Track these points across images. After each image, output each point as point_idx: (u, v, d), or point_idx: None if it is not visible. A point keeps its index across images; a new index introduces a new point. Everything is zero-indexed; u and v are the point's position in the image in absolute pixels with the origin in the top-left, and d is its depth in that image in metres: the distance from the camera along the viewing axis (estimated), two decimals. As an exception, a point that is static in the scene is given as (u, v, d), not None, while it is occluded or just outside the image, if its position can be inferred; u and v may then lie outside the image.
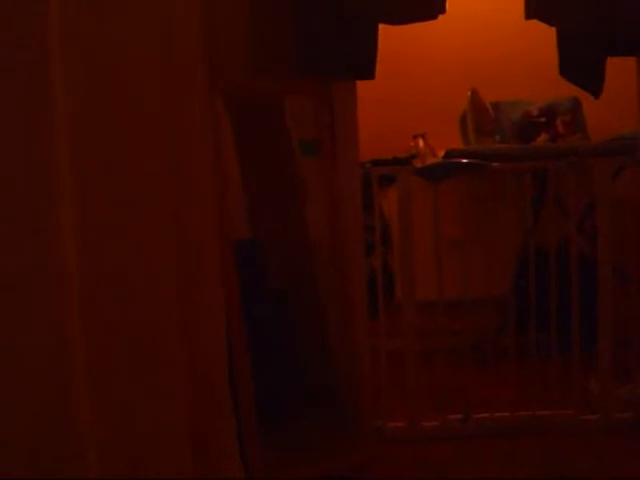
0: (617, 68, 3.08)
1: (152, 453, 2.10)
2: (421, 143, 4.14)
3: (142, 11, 2.11)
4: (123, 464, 2.00)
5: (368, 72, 2.96)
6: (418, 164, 3.84)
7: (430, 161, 3.80)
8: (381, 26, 2.99)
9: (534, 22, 3.03)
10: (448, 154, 3.72)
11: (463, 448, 3.08)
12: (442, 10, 2.98)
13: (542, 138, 4.05)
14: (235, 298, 2.70)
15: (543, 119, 4.11)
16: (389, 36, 3.06)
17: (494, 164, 3.27)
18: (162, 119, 2.17)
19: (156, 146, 2.15)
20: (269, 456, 2.73)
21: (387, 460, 3.01)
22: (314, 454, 2.91)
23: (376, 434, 3.12)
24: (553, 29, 3.06)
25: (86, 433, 1.75)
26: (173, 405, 2.16)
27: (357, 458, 2.98)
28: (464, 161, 3.31)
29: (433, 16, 2.98)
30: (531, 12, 3.00)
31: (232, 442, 2.42)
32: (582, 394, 3.28)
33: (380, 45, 2.99)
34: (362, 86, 3.10)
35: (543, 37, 3.15)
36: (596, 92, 3.11)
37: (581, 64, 3.09)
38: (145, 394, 2.08)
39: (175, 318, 2.19)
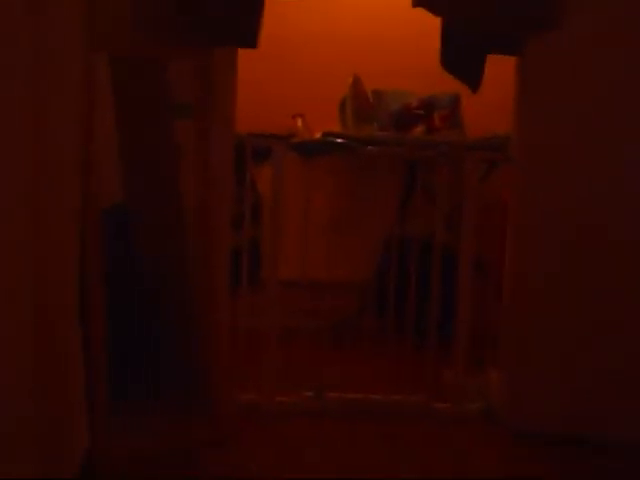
0: (497, 67, 3.14)
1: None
2: (299, 122, 4.13)
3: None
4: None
5: (251, 40, 2.90)
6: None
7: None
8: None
9: (421, 11, 3.04)
10: (325, 135, 3.73)
11: (314, 426, 3.08)
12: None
13: (419, 129, 4.10)
14: (96, 265, 2.63)
15: (421, 111, 4.16)
16: (277, 12, 3.03)
17: (368, 147, 3.29)
18: (36, 74, 2.07)
19: (29, 102, 2.05)
20: (117, 425, 2.68)
21: (240, 434, 2.98)
22: (165, 427, 2.87)
23: (230, 408, 3.08)
24: (439, 20, 3.09)
25: None
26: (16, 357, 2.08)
27: (210, 432, 2.94)
28: (339, 140, 3.32)
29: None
30: (418, 0, 3.01)
31: (79, 408, 2.36)
32: (435, 382, 3.33)
33: (267, 21, 2.94)
34: (245, 60, 3.06)
35: (429, 27, 3.18)
36: (474, 87, 3.16)
37: (462, 57, 3.14)
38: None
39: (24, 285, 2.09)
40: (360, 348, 3.37)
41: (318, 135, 3.84)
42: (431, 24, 3.11)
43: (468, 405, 3.26)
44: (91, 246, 2.62)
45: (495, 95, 3.30)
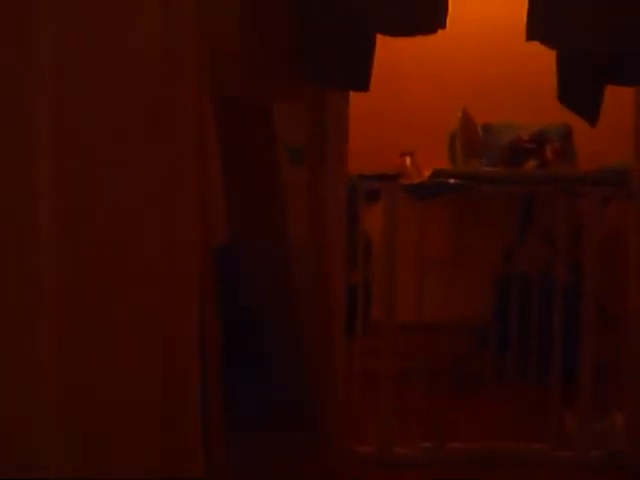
0: (612, 98, 3.03)
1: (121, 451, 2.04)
2: (408, 161, 4.07)
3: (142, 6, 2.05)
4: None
5: (363, 83, 2.89)
6: (404, 182, 3.76)
7: (416, 180, 3.73)
8: (378, 38, 2.92)
9: (534, 44, 2.96)
10: (435, 174, 3.66)
11: (433, 477, 2.98)
12: (442, 25, 2.91)
13: (531, 164, 3.99)
14: (211, 304, 2.61)
15: (533, 145, 4.05)
16: (385, 49, 2.99)
17: (481, 187, 3.21)
18: (151, 120, 2.10)
19: (143, 146, 2.08)
20: (232, 465, 2.63)
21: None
22: (278, 469, 2.83)
23: (346, 456, 3.02)
24: (553, 52, 3.00)
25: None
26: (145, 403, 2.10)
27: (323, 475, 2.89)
28: (451, 181, 3.24)
29: (433, 30, 2.90)
30: (533, 34, 2.92)
31: (197, 443, 2.34)
32: (558, 428, 3.19)
33: (378, 57, 2.91)
34: (354, 99, 3.03)
35: (541, 60, 3.09)
36: (593, 120, 3.06)
37: (580, 91, 3.04)
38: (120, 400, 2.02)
39: (153, 320, 2.13)
40: (479, 393, 3.27)
41: (427, 173, 3.76)
42: (545, 59, 3.03)
43: (592, 452, 3.11)
44: (207, 284, 2.60)
45: (607, 125, 3.17)
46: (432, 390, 3.26)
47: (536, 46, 2.93)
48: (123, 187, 2.01)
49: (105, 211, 1.96)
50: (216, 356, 2.61)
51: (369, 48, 2.88)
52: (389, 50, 3.01)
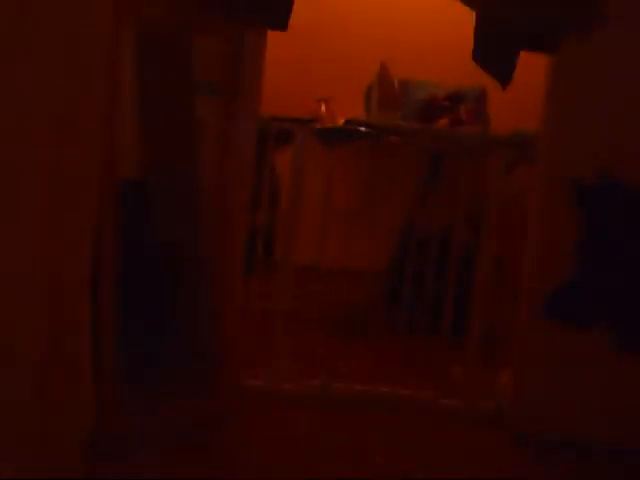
0: (526, 65, 3.08)
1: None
2: (323, 107, 4.08)
3: None
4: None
5: (282, 22, 2.87)
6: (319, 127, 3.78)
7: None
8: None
9: (456, 4, 2.98)
10: (348, 122, 3.68)
11: (319, 415, 3.04)
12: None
13: (443, 121, 4.04)
14: (109, 240, 2.59)
15: (447, 103, 4.10)
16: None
17: (392, 137, 3.24)
18: (61, 44, 2.04)
19: (48, 66, 2.01)
20: (123, 388, 2.66)
21: (244, 415, 2.95)
22: (170, 396, 2.86)
23: (237, 389, 3.05)
24: (472, 14, 3.03)
25: None
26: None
27: (212, 407, 2.92)
28: (362, 129, 3.27)
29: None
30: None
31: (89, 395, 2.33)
32: (445, 378, 3.28)
33: (299, 2, 2.89)
34: (273, 41, 3.03)
35: (461, 20, 3.12)
36: (505, 82, 3.10)
37: (494, 52, 3.07)
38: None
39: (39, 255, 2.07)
40: (370, 341, 3.33)
41: (342, 121, 3.79)
42: (464, 17, 3.05)
43: (480, 404, 3.20)
44: (107, 218, 2.57)
45: (519, 92, 3.23)
46: (325, 333, 3.32)
47: (461, 10, 2.97)
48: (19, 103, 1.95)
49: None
50: (111, 296, 2.60)
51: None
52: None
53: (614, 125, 2.95)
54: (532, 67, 3.09)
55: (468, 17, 3.02)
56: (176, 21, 2.91)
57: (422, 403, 3.19)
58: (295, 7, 2.87)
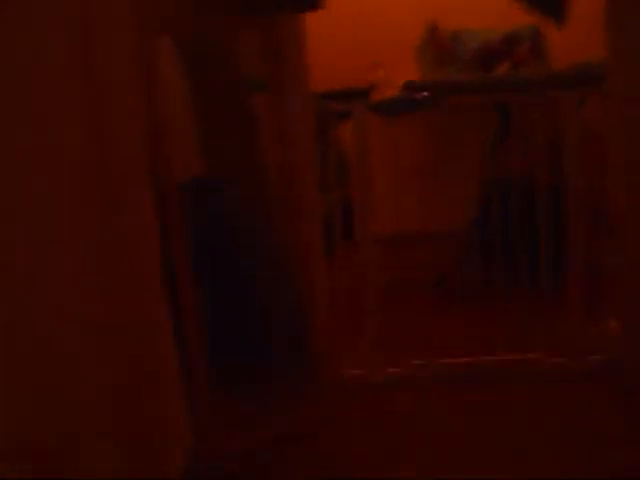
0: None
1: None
2: (382, 73, 3.91)
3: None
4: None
5: (316, 2, 2.76)
6: (377, 97, 3.64)
7: (390, 93, 3.61)
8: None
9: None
10: (407, 86, 3.54)
11: (425, 396, 2.92)
12: None
13: (504, 66, 3.87)
14: (180, 245, 2.52)
15: (504, 46, 3.93)
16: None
17: (453, 98, 3.10)
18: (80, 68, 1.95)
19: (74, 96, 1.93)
20: (221, 421, 2.60)
21: (348, 411, 2.84)
22: (272, 414, 2.78)
23: (336, 384, 2.97)
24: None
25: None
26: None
27: (318, 413, 2.84)
28: (421, 95, 3.13)
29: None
30: None
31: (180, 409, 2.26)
32: (549, 336, 3.14)
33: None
34: (316, 16, 2.90)
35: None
36: (559, 21, 2.93)
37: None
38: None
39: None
40: (465, 305, 3.20)
41: (399, 85, 3.64)
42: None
43: (587, 358, 3.03)
44: (173, 222, 2.51)
45: (577, 23, 3.05)
46: (416, 304, 3.20)
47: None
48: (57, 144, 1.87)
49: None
50: (191, 298, 2.53)
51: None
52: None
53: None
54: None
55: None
56: (208, 23, 2.85)
57: (529, 367, 3.04)
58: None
